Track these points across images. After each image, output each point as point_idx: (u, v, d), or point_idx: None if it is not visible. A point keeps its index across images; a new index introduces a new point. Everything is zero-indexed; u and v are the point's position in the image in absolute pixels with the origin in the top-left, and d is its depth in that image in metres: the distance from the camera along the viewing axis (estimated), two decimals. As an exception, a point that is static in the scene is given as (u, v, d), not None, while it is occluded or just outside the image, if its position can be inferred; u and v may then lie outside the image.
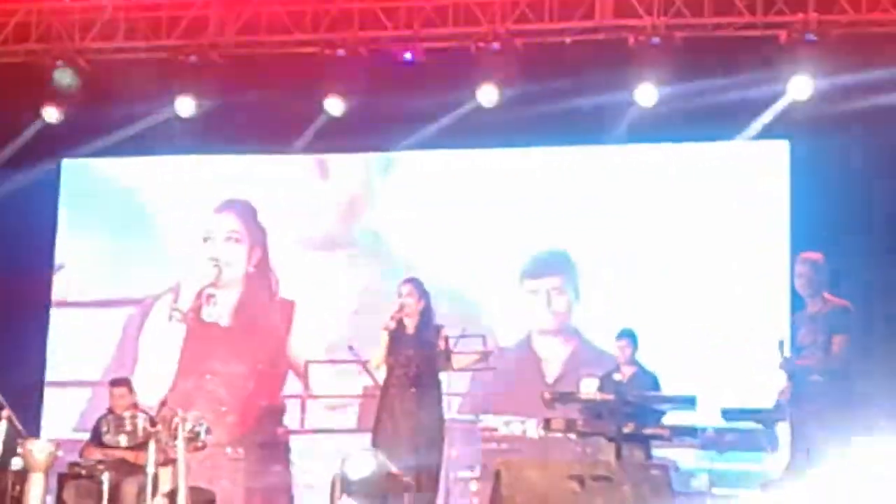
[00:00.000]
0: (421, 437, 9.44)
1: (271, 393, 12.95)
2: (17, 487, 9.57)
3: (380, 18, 12.04)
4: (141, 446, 9.36)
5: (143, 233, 13.49)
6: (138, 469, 9.56)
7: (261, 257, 13.34)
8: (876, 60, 11.09)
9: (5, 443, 9.50)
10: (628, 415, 9.45)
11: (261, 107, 12.25)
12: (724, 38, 11.48)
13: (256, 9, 12.22)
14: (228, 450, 12.31)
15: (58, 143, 13.11)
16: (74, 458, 10.44)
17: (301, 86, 12.13)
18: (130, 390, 10.72)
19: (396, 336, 9.60)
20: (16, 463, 9.60)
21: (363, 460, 8.77)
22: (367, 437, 9.68)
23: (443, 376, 9.71)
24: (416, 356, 9.56)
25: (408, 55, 12.22)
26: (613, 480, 8.50)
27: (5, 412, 9.69)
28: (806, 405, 8.54)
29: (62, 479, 10.25)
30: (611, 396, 9.64)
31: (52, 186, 13.61)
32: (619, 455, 9.31)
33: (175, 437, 8.89)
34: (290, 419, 12.64)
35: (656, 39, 11.43)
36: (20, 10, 12.53)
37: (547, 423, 9.71)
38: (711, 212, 12.27)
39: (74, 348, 13.35)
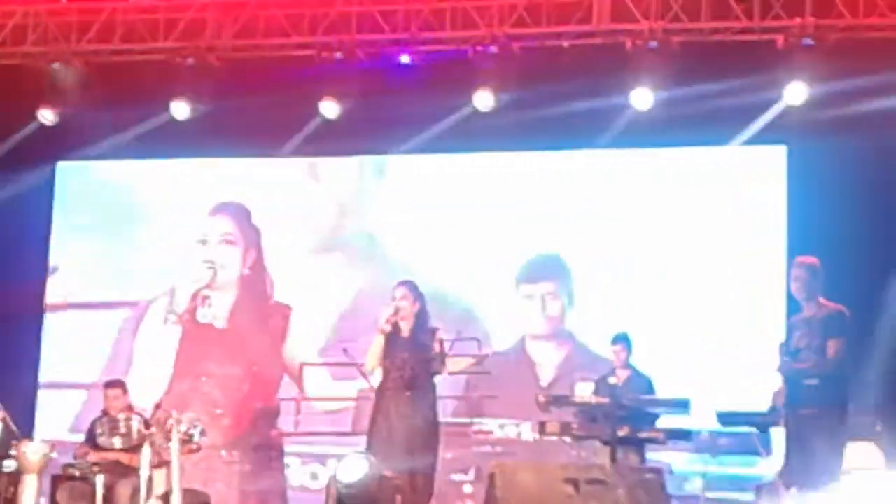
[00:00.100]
0: (415, 440, 9.42)
1: (266, 395, 12.94)
2: (11, 489, 9.56)
3: (377, 22, 12.04)
4: (135, 448, 9.35)
5: (138, 235, 13.50)
6: (132, 471, 9.56)
7: (255, 259, 13.33)
8: (873, 65, 11.09)
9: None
10: (623, 418, 9.45)
11: (257, 110, 12.22)
12: (722, 42, 11.47)
13: (254, 12, 12.22)
14: (223, 452, 12.30)
15: (53, 146, 13.11)
16: (68, 459, 10.43)
17: (298, 89, 12.12)
18: (125, 392, 10.71)
19: (391, 339, 9.58)
20: (9, 464, 9.59)
21: (356, 464, 8.77)
22: (361, 440, 9.66)
23: (437, 379, 9.70)
24: (411, 359, 9.54)
25: (405, 59, 12.22)
26: (608, 484, 8.49)
27: (0, 413, 9.69)
28: (801, 409, 8.53)
29: (56, 481, 10.23)
30: (605, 400, 9.63)
31: (47, 188, 13.62)
32: (613, 458, 9.31)
33: (169, 440, 8.88)
34: (285, 422, 12.63)
35: (653, 44, 11.43)
36: (17, 12, 12.53)
37: (542, 427, 9.70)
38: (708, 216, 12.27)
39: (69, 350, 13.36)
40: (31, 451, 9.45)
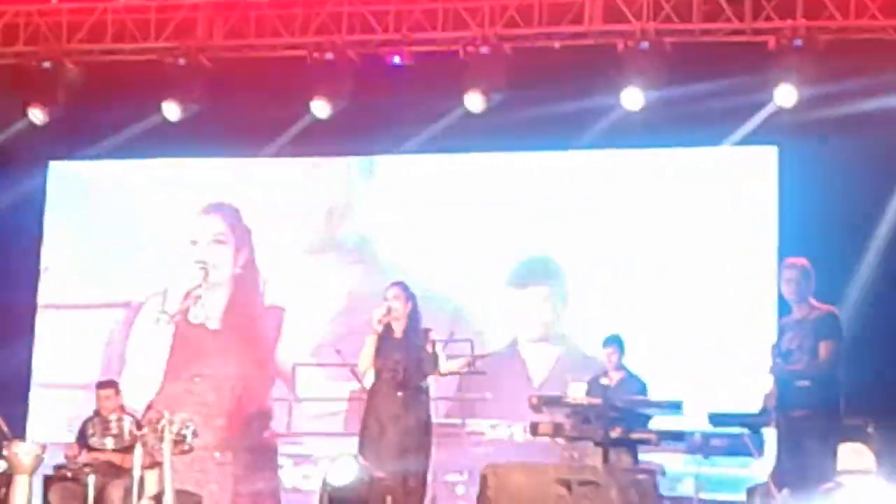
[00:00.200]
0: (408, 441, 9.44)
1: (259, 396, 12.93)
2: (3, 490, 9.54)
3: (368, 22, 12.04)
4: (127, 449, 9.36)
5: (130, 235, 13.46)
6: (124, 472, 9.56)
7: (247, 259, 13.32)
8: (864, 67, 11.11)
9: (-8, 445, 9.50)
10: (615, 419, 9.45)
11: (249, 110, 12.23)
12: (713, 43, 11.49)
13: (245, 12, 12.22)
14: (216, 453, 12.29)
15: (45, 146, 13.09)
16: (60, 460, 10.42)
17: (289, 89, 12.12)
18: (117, 393, 10.71)
19: (384, 340, 9.59)
20: (1, 465, 9.57)
21: (345, 467, 8.78)
22: (354, 441, 9.65)
23: (430, 380, 9.70)
24: (404, 360, 9.55)
25: (396, 59, 12.22)
26: (600, 485, 8.51)
27: (-8, 414, 9.70)
28: (793, 411, 8.54)
29: (48, 482, 10.24)
30: (598, 401, 9.63)
31: (38, 189, 13.59)
32: (605, 459, 9.31)
33: (161, 440, 8.88)
34: (278, 423, 12.62)
35: (645, 44, 11.44)
36: (8, 11, 12.52)
37: (534, 428, 9.70)
38: (699, 217, 12.27)
39: (61, 351, 13.33)
40: (23, 452, 9.43)
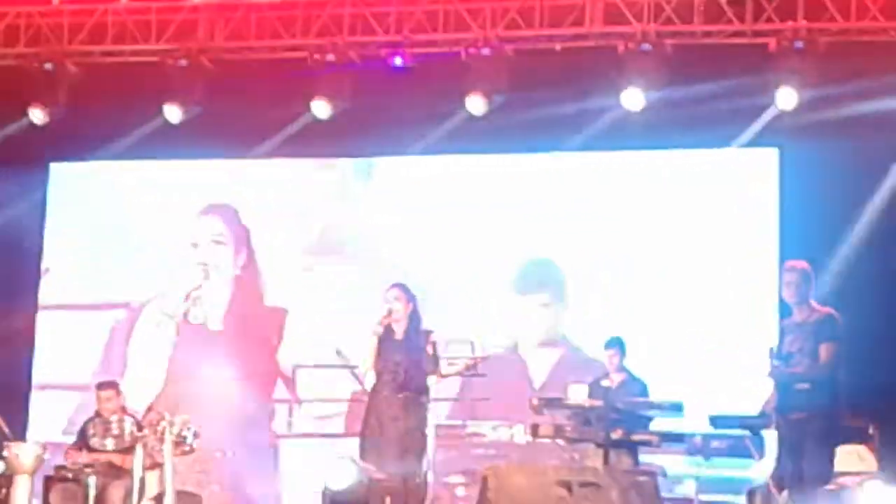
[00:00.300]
0: (408, 443, 9.44)
1: (260, 397, 12.93)
2: (3, 490, 9.55)
3: (370, 24, 12.05)
4: (128, 450, 9.35)
5: (131, 236, 13.47)
6: (125, 473, 9.56)
7: (247, 260, 13.32)
8: (865, 68, 11.11)
9: (-8, 445, 9.50)
10: (616, 421, 9.44)
11: (249, 111, 12.23)
12: (714, 45, 11.49)
13: (246, 13, 12.23)
14: (218, 454, 12.27)
15: (46, 147, 13.09)
16: (61, 461, 10.42)
17: (290, 90, 12.12)
18: (118, 393, 10.69)
19: (384, 341, 9.59)
20: (1, 466, 9.58)
21: (344, 470, 8.78)
22: (355, 442, 9.65)
23: (431, 381, 9.71)
24: (405, 361, 9.55)
25: (398, 60, 12.22)
26: (601, 486, 8.51)
27: (-7, 415, 9.70)
28: (793, 413, 8.53)
29: (48, 483, 10.22)
30: (599, 403, 9.63)
31: (39, 190, 13.59)
32: (606, 461, 9.31)
33: (162, 441, 8.88)
34: (279, 424, 12.62)
35: (646, 46, 11.44)
36: (9, 13, 12.52)
37: (535, 429, 9.69)
38: (701, 219, 12.28)
39: (62, 352, 13.33)
40: (24, 453, 9.44)
